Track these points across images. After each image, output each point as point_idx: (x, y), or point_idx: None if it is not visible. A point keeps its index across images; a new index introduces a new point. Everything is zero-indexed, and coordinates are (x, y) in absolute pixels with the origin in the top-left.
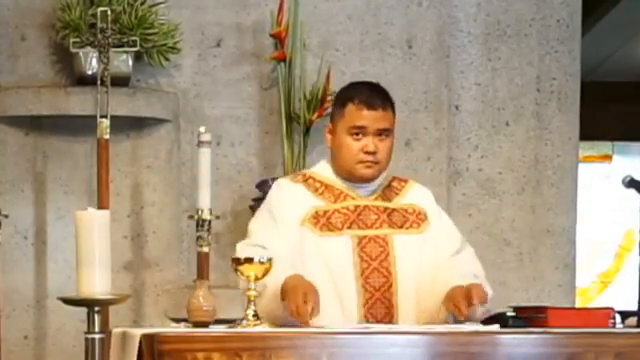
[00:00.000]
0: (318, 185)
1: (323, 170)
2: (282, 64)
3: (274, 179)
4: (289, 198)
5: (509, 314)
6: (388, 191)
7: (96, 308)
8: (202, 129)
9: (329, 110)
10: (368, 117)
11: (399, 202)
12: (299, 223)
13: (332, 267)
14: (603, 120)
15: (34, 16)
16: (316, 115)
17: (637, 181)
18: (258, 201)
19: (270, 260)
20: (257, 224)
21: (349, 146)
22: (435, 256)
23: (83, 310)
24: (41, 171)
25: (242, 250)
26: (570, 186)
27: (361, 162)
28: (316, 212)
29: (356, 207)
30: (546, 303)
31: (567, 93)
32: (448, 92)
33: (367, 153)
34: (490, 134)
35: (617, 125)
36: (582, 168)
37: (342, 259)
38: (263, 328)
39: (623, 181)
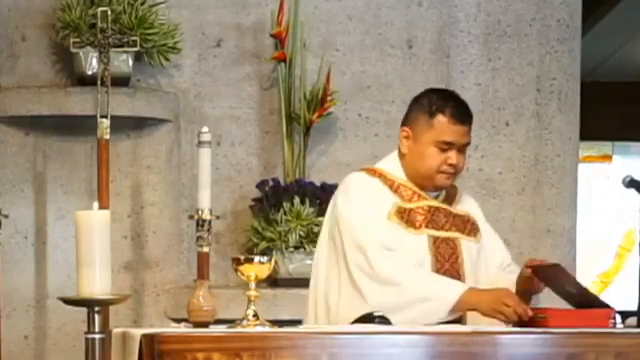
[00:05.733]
0: (390, 183)
1: (393, 170)
2: (282, 64)
3: (274, 179)
4: (372, 192)
5: None
6: (448, 195)
7: (96, 308)
8: (205, 129)
9: (329, 110)
10: (458, 133)
11: (457, 208)
12: (386, 218)
13: (413, 263)
14: (603, 120)
15: (34, 16)
16: (316, 115)
17: (637, 181)
18: (258, 201)
19: (270, 260)
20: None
21: (433, 157)
22: (486, 268)
23: (83, 310)
24: (41, 171)
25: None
26: (570, 186)
27: (442, 173)
28: (398, 207)
29: (430, 207)
30: (546, 304)
31: (567, 93)
32: None
33: (450, 165)
34: (490, 134)
35: (617, 125)
36: (582, 168)
37: (421, 256)
38: (263, 328)
39: (623, 181)
